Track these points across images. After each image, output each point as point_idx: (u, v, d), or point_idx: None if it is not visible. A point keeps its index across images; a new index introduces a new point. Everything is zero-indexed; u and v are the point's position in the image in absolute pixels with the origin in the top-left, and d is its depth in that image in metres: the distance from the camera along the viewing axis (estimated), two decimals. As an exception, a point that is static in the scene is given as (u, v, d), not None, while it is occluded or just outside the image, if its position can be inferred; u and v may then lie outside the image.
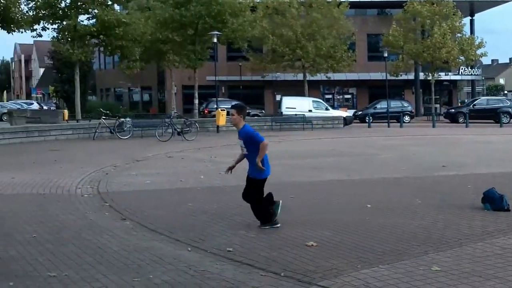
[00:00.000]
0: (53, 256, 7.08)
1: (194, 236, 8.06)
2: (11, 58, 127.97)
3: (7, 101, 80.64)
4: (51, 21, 36.97)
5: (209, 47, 40.94)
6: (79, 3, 36.49)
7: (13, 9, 30.67)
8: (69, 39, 37.36)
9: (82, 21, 37.72)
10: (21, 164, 17.47)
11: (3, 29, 31.59)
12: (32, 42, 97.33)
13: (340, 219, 9.17)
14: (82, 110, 40.49)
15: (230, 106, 9.05)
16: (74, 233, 8.33)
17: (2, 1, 30.41)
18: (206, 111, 43.14)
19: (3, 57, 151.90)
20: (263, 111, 48.82)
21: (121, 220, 9.37)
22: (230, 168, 9.02)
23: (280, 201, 8.71)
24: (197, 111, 40.50)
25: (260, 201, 8.55)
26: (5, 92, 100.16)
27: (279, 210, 8.62)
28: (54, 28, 37.54)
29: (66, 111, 38.90)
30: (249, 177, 8.56)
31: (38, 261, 6.87)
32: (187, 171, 15.70)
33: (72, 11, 36.40)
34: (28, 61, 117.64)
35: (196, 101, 40.76)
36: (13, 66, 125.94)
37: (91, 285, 5.99)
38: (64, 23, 36.76)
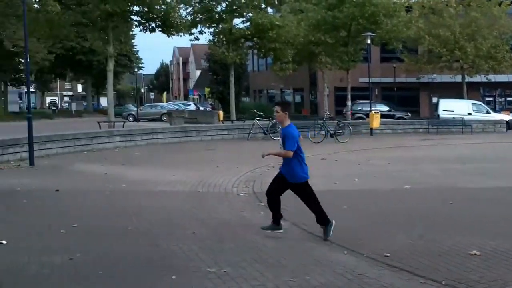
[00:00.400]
0: (212, 252, 7.24)
1: (350, 239, 7.94)
2: (170, 61, 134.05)
3: (166, 102, 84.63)
4: (207, 25, 38.29)
5: (362, 48, 40.49)
6: (234, 7, 37.46)
7: (172, 14, 32.07)
8: (225, 42, 38.47)
9: (237, 25, 38.71)
10: (180, 162, 18.15)
11: (164, 33, 33.13)
12: (189, 46, 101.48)
13: (504, 228, 8.66)
14: (236, 111, 41.54)
15: (284, 103, 8.37)
16: (231, 231, 8.49)
17: (163, 7, 31.90)
18: (349, 113, 42.60)
19: (163, 60, 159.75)
20: (409, 114, 47.36)
21: (276, 220, 9.42)
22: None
23: (333, 222, 8.24)
24: (349, 113, 40.19)
25: (314, 201, 8.31)
26: (165, 93, 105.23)
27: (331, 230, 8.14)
28: (210, 32, 38.87)
29: (221, 112, 40.09)
30: (288, 181, 8.14)
31: (198, 256, 7.05)
32: (341, 173, 15.56)
33: (228, 15, 37.45)
34: (185, 63, 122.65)
35: (349, 103, 40.45)
36: (172, 69, 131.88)
37: (249, 283, 6.05)
38: (220, 26, 37.90)
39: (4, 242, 7.64)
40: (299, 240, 8.12)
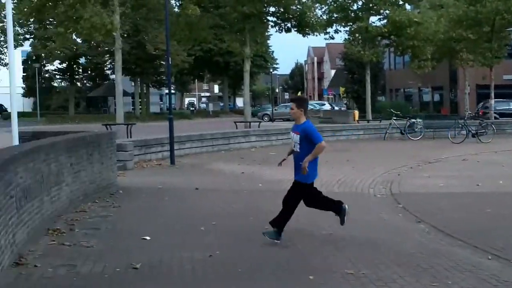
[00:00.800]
0: (349, 253, 7.14)
1: (494, 244, 7.60)
2: (305, 61, 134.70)
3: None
4: (343, 23, 38.03)
5: (506, 44, 38.72)
6: (370, 5, 36.98)
7: (308, 14, 32.25)
8: (361, 40, 38.04)
9: (374, 22, 38.16)
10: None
11: (299, 33, 33.35)
12: (324, 45, 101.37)
13: None
14: (372, 110, 40.95)
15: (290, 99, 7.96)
16: (369, 233, 8.36)
17: (298, 7, 32.11)
18: (481, 112, 40.69)
19: (297, 60, 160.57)
20: None
21: (415, 222, 9.18)
22: (282, 160, 8.28)
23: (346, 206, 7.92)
24: (493, 112, 38.45)
25: (291, 206, 7.73)
26: (299, 93, 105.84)
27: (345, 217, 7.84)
28: (346, 30, 38.56)
29: (356, 112, 39.66)
30: (295, 179, 7.74)
31: (335, 257, 6.98)
32: (483, 174, 14.91)
33: (364, 13, 37.02)
34: (320, 63, 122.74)
35: (492, 102, 38.72)
36: (306, 68, 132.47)
37: (388, 286, 5.91)
38: (356, 25, 37.51)
39: (148, 238, 7.94)
40: (440, 243, 7.85)
